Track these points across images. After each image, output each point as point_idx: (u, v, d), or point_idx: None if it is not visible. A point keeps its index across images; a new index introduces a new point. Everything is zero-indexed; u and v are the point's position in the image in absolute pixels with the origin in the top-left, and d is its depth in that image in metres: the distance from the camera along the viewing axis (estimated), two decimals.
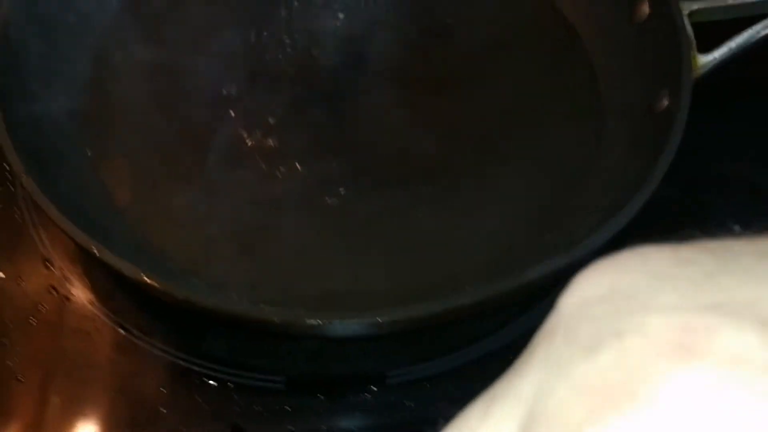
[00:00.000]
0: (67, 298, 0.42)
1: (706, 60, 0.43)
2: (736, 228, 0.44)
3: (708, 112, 0.48)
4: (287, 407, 0.39)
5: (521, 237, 0.42)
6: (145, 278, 0.35)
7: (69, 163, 0.44)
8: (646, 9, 0.46)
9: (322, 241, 0.43)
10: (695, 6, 0.44)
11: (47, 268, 0.43)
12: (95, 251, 0.36)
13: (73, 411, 0.39)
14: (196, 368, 0.39)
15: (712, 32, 0.44)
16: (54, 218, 0.37)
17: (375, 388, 0.39)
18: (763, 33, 0.43)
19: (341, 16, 0.51)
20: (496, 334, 0.41)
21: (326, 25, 0.51)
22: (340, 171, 0.45)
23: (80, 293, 0.42)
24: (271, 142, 0.46)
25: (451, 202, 0.44)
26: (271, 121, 0.47)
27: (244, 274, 0.41)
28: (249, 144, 0.46)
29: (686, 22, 0.43)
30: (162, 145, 0.46)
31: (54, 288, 0.43)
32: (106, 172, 0.44)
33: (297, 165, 0.45)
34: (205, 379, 0.39)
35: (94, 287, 0.43)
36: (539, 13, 0.51)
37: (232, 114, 0.47)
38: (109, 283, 0.42)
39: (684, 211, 0.46)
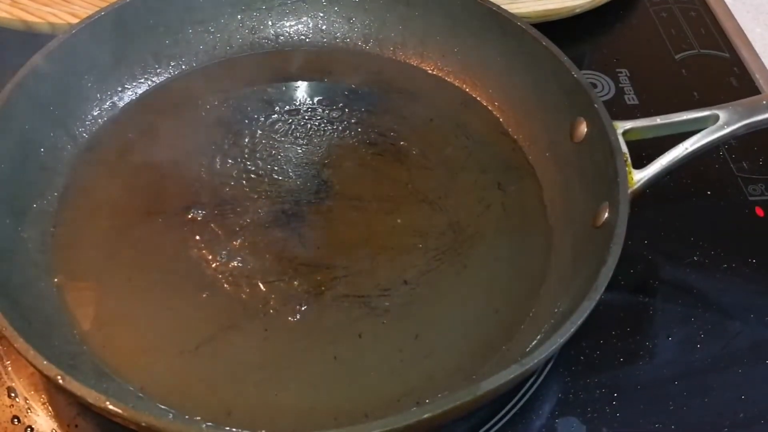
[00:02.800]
0: (31, 428, 0.42)
1: (641, 175, 0.46)
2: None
3: (650, 220, 0.51)
4: None
5: (478, 349, 0.44)
6: (110, 405, 0.35)
7: (36, 290, 0.45)
8: (584, 129, 0.49)
9: (287, 359, 0.43)
10: (628, 125, 0.48)
11: (11, 397, 0.43)
12: (60, 380, 0.36)
13: None
14: None
15: (647, 148, 0.48)
16: (19, 348, 0.37)
17: None
18: (690, 149, 0.46)
19: (302, 142, 0.54)
20: None
21: (288, 152, 0.54)
22: (301, 289, 0.46)
23: (44, 422, 0.42)
24: (235, 263, 0.47)
25: (409, 316, 0.45)
26: (235, 243, 0.48)
27: (212, 399, 0.41)
28: (214, 266, 0.47)
29: (621, 140, 0.47)
30: (128, 271, 0.47)
31: (17, 418, 0.43)
32: (72, 299, 0.45)
33: (260, 285, 0.46)
34: None
35: (58, 416, 0.43)
36: (489, 135, 0.55)
37: (198, 238, 0.48)
38: (72, 411, 0.43)
39: (629, 315, 0.48)
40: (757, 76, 0.64)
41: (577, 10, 0.65)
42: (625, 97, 0.61)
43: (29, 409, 0.43)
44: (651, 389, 0.45)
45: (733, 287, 0.50)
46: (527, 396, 0.45)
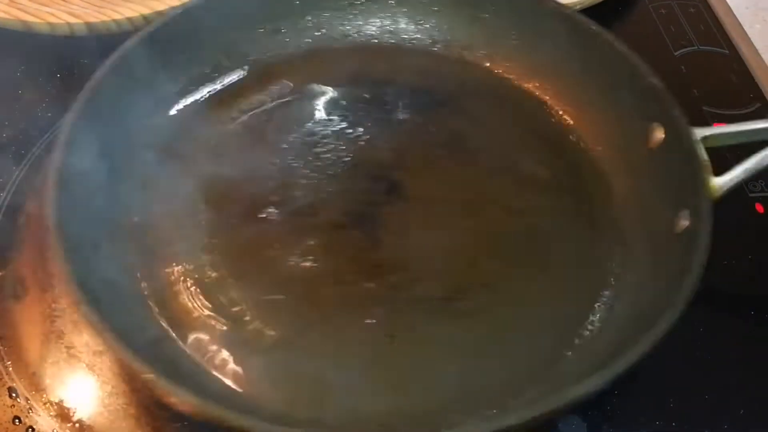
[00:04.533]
0: (32, 428, 0.42)
1: (721, 183, 0.44)
2: None
3: None
4: None
5: (549, 353, 0.43)
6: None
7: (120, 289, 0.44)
8: (660, 135, 0.48)
9: (361, 362, 0.43)
10: (707, 132, 0.46)
11: (12, 398, 0.43)
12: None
13: None
14: None
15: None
16: (112, 347, 0.37)
17: None
18: None
19: (372, 143, 0.53)
20: None
21: (357, 152, 0.53)
22: (376, 290, 0.46)
23: (45, 423, 0.42)
24: (308, 264, 0.47)
25: (488, 319, 0.45)
26: (309, 243, 0.48)
27: (278, 396, 0.41)
28: (288, 266, 0.46)
29: (700, 147, 0.45)
30: (204, 269, 0.46)
31: (18, 418, 0.43)
32: (151, 298, 0.45)
33: (335, 286, 0.46)
34: None
35: (59, 416, 0.43)
36: (560, 140, 0.54)
37: (271, 238, 0.48)
38: (72, 410, 0.43)
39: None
40: (757, 72, 0.64)
41: (577, 7, 0.65)
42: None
43: (30, 409, 0.43)
44: (651, 387, 0.45)
45: (733, 284, 0.50)
46: None
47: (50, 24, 0.60)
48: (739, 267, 0.51)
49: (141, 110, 0.51)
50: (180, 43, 0.54)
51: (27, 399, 0.43)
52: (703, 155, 0.45)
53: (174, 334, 0.43)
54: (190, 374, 0.41)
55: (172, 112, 0.54)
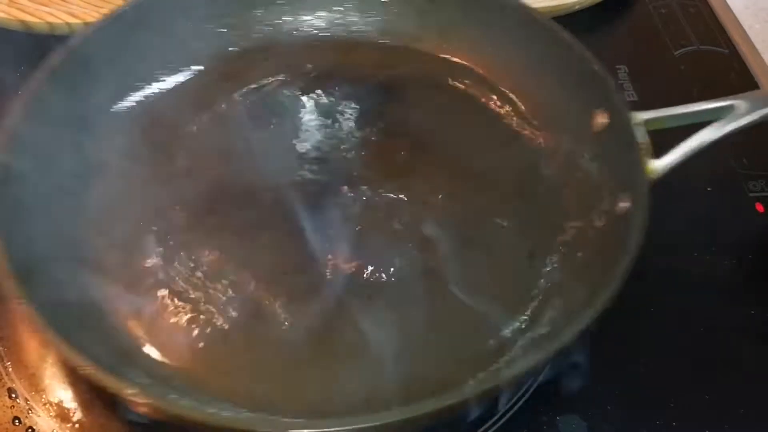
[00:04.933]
0: (32, 429, 0.42)
1: (660, 164, 0.46)
2: None
3: (650, 216, 0.51)
4: None
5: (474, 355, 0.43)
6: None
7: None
8: (603, 120, 0.49)
9: (299, 351, 0.43)
10: (648, 116, 0.47)
11: (11, 398, 0.43)
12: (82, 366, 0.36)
13: None
14: None
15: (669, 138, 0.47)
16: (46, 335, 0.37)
17: None
18: (708, 139, 0.46)
19: (319, 135, 0.53)
20: None
21: (309, 146, 0.53)
22: (302, 286, 0.46)
23: (45, 423, 0.42)
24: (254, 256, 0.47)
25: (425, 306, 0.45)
26: (256, 237, 0.48)
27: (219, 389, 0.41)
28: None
29: (641, 130, 0.46)
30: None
31: (18, 419, 0.43)
32: (96, 292, 0.44)
33: (260, 284, 0.46)
34: None
35: (59, 416, 0.43)
36: (510, 126, 0.54)
37: (222, 229, 0.48)
38: (71, 411, 0.43)
39: (629, 312, 0.47)
40: (757, 71, 0.64)
41: (577, 7, 0.65)
42: (624, 93, 0.61)
43: (30, 410, 0.43)
44: (652, 386, 0.45)
45: (733, 283, 0.51)
46: (529, 393, 0.45)
47: (50, 24, 0.60)
48: (739, 267, 0.51)
49: (84, 110, 0.51)
50: (126, 41, 0.53)
51: (27, 399, 0.43)
52: (643, 138, 0.46)
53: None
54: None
55: (116, 110, 0.53)
